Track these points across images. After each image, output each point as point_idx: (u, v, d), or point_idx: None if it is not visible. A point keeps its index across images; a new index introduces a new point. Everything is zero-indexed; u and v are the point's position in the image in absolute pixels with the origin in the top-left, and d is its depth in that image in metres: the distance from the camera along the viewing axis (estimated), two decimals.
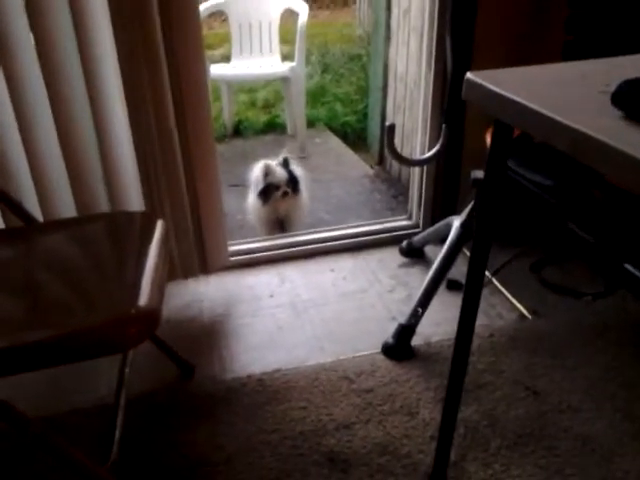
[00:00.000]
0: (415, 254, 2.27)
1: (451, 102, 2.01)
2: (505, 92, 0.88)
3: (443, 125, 2.05)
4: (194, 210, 1.98)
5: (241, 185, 2.68)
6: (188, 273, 2.07)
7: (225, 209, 2.08)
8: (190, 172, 1.91)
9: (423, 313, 1.81)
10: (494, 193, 1.09)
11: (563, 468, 1.41)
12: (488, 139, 1.70)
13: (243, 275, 2.19)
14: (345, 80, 4.58)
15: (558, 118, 0.77)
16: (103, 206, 1.89)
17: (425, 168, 2.28)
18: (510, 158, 1.12)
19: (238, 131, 3.95)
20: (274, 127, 4.02)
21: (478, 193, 1.81)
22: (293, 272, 2.20)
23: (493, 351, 1.76)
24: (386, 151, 3.06)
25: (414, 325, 1.79)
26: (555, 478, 1.38)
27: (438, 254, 1.91)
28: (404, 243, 2.28)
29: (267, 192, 2.46)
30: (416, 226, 2.40)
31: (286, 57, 3.84)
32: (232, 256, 2.20)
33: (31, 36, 1.64)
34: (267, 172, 2.45)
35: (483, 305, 1.23)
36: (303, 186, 2.54)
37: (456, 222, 1.95)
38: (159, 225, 1.44)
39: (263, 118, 4.11)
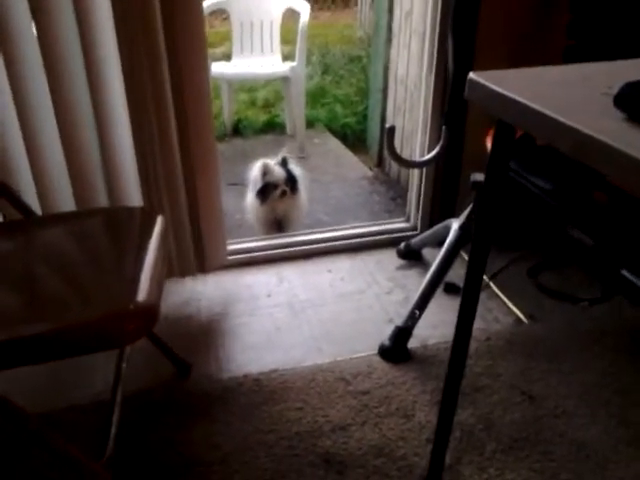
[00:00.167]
0: (413, 256, 2.27)
1: (452, 104, 2.01)
2: (508, 92, 0.88)
3: (443, 127, 2.06)
4: (193, 208, 1.97)
5: (240, 184, 2.67)
6: (186, 271, 2.06)
7: (224, 208, 2.08)
8: (190, 170, 1.91)
9: (420, 315, 1.81)
10: (494, 195, 1.09)
11: (558, 473, 1.41)
12: (488, 142, 1.70)
13: (241, 274, 2.19)
14: (345, 81, 4.58)
15: (561, 119, 0.77)
16: (102, 201, 1.89)
17: (424, 170, 2.28)
18: (511, 160, 1.12)
19: (238, 130, 3.95)
20: (273, 127, 4.01)
21: (477, 196, 1.82)
22: (291, 272, 2.20)
23: (490, 355, 1.76)
24: (385, 153, 3.07)
25: (411, 327, 1.79)
26: None
27: (436, 257, 1.91)
28: (402, 245, 2.29)
29: (265, 191, 2.45)
30: (414, 228, 2.40)
31: (287, 57, 3.84)
32: (230, 255, 2.19)
33: (34, 30, 1.64)
34: (265, 171, 2.44)
35: (480, 309, 1.23)
36: (302, 186, 2.54)
37: (455, 225, 1.95)
38: (159, 221, 1.44)
39: (263, 118, 4.11)
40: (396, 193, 2.97)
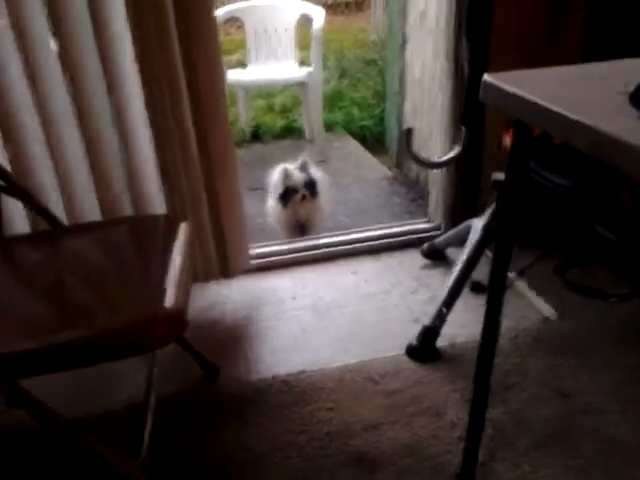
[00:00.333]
0: (437, 256, 2.27)
1: (469, 104, 2.01)
2: (523, 92, 0.89)
3: (462, 127, 2.05)
4: (215, 213, 1.99)
5: (261, 189, 2.69)
6: (210, 276, 2.08)
7: (246, 212, 2.09)
8: (210, 176, 1.93)
9: (447, 314, 1.80)
10: (515, 193, 1.10)
11: (589, 469, 1.40)
12: (507, 140, 1.70)
13: (265, 278, 2.20)
14: (362, 85, 4.59)
15: (577, 118, 0.78)
16: (126, 210, 1.91)
17: (445, 170, 2.28)
18: (530, 159, 1.12)
19: (257, 136, 3.97)
20: (291, 132, 4.03)
21: (499, 195, 1.81)
22: (315, 275, 2.21)
23: (518, 352, 1.75)
24: (405, 154, 3.06)
25: (438, 327, 1.79)
26: (582, 479, 1.37)
27: (460, 256, 1.91)
28: (425, 245, 2.28)
29: (286, 196, 2.47)
30: (437, 228, 2.40)
31: (303, 62, 3.85)
32: (253, 259, 2.21)
33: (53, 44, 1.67)
34: (286, 176, 2.46)
35: (507, 307, 1.22)
36: (322, 189, 2.54)
37: (478, 224, 1.94)
38: (183, 227, 1.45)
39: (280, 123, 4.13)
40: (416, 194, 2.97)
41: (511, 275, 2.04)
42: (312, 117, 3.67)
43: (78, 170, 1.82)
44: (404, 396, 1.62)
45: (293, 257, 2.29)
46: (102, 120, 1.78)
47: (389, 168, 3.36)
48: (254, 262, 2.21)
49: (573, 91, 0.90)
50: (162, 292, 1.17)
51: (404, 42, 3.03)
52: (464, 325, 1.86)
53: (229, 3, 4.11)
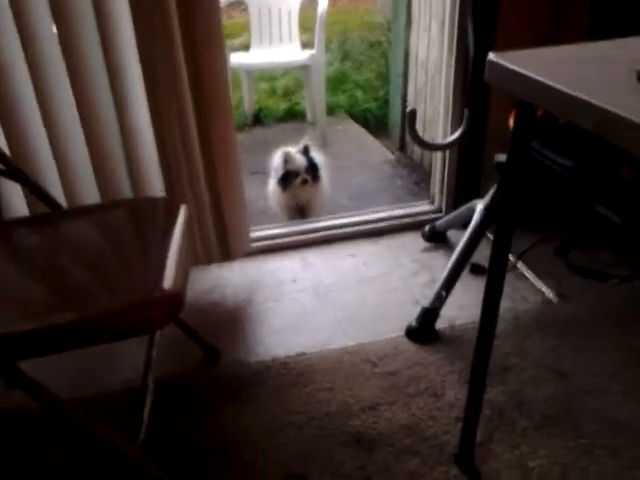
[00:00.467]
0: (438, 238, 2.26)
1: (473, 86, 1.99)
2: (527, 71, 0.87)
3: (465, 109, 2.03)
4: (216, 197, 1.98)
5: (262, 172, 2.68)
6: (211, 259, 2.08)
7: (246, 196, 2.08)
8: (210, 159, 1.91)
9: (447, 296, 1.80)
10: (517, 174, 1.08)
11: (591, 450, 1.39)
12: (511, 122, 1.68)
13: (265, 260, 2.20)
14: (365, 67, 4.55)
15: (583, 96, 0.77)
16: (126, 193, 1.91)
17: (448, 152, 2.27)
18: (534, 139, 1.11)
19: (258, 119, 3.95)
20: (294, 115, 4.01)
21: (501, 177, 1.80)
22: (315, 257, 2.21)
23: (518, 334, 1.75)
24: (408, 137, 3.05)
25: (438, 308, 1.79)
26: (584, 459, 1.37)
27: (461, 238, 1.90)
28: (426, 227, 2.27)
29: (287, 179, 2.46)
30: (438, 210, 2.39)
31: (306, 45, 3.82)
32: (254, 242, 2.21)
33: (54, 28, 1.66)
34: (287, 159, 2.45)
35: (508, 289, 1.22)
36: (323, 173, 2.54)
37: (479, 206, 1.93)
38: (182, 210, 1.45)
39: (283, 106, 4.10)
40: (419, 177, 2.95)
41: (512, 257, 2.03)
42: (315, 100, 3.65)
43: (77, 153, 1.82)
44: (403, 377, 1.62)
45: (294, 240, 2.28)
46: (101, 102, 1.76)
47: (392, 151, 3.34)
48: (255, 245, 2.21)
49: (578, 70, 0.89)
50: (160, 274, 1.17)
51: (409, 24, 3.01)
52: (463, 307, 1.86)
53: None
